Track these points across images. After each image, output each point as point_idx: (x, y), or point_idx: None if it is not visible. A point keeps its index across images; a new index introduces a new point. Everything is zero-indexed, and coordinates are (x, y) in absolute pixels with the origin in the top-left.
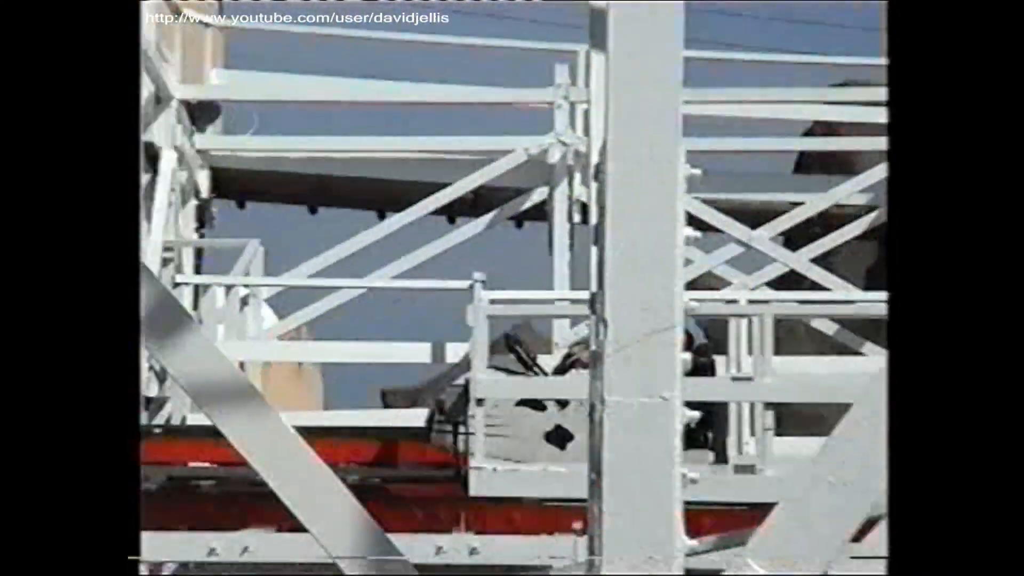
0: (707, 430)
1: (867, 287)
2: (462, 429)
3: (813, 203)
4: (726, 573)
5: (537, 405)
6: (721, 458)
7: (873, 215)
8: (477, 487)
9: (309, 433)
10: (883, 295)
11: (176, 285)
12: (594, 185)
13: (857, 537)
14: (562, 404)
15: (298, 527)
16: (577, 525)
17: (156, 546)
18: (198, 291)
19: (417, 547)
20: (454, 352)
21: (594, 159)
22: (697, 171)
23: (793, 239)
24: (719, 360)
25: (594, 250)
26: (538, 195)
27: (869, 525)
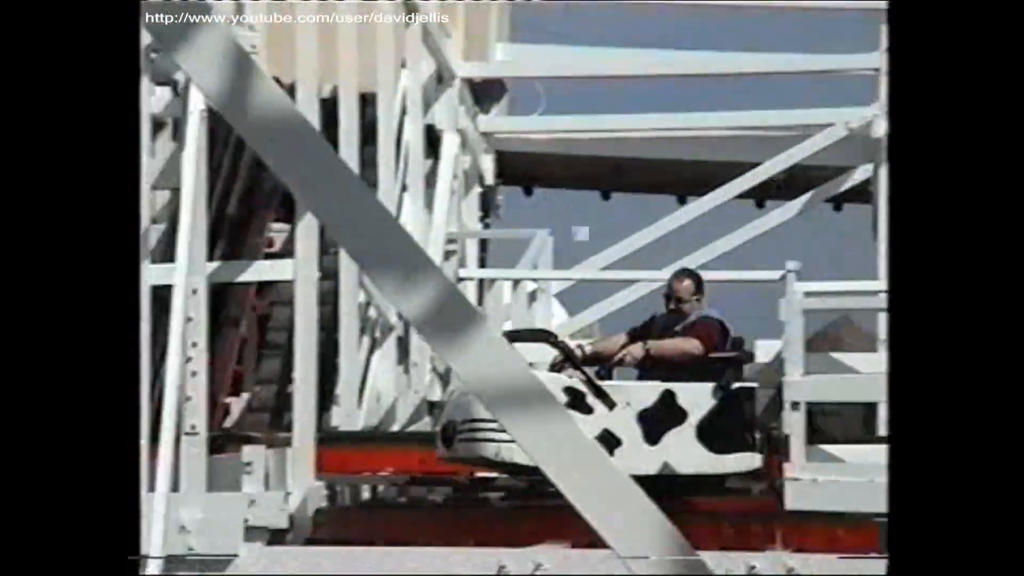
0: (752, 430)
1: None
2: (492, 431)
3: None
4: None
5: (582, 408)
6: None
7: None
8: (794, 500)
9: None
10: None
11: (460, 280)
12: None
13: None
14: (610, 405)
15: (595, 542)
16: None
17: (441, 561)
18: (483, 285)
19: (727, 565)
20: (765, 351)
21: None
22: None
23: None
24: None
25: None
26: (860, 174)
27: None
